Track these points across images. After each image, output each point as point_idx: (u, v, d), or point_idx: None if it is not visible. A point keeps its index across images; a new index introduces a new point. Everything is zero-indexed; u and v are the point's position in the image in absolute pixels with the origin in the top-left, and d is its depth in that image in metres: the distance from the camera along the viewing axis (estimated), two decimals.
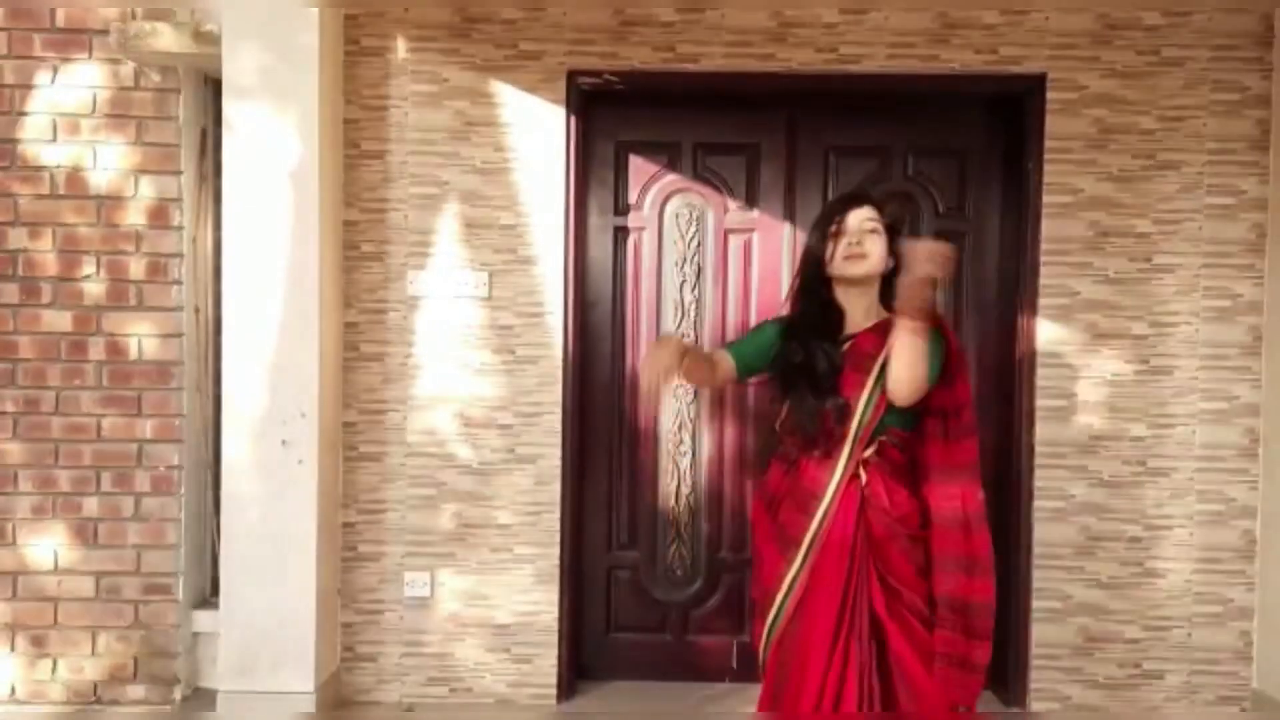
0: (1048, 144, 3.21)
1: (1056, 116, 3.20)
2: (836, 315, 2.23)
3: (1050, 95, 3.20)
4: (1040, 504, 3.22)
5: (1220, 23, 3.18)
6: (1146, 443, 3.22)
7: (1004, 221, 3.40)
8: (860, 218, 2.18)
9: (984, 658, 2.14)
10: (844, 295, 2.23)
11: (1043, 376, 3.22)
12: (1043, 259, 3.22)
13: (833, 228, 2.20)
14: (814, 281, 2.25)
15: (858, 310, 2.22)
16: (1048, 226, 3.21)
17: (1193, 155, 3.20)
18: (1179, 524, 3.22)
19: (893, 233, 2.21)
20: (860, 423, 2.13)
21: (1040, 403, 3.22)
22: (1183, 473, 3.23)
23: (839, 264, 2.19)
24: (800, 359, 2.20)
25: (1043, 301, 3.22)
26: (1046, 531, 3.22)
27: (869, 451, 2.15)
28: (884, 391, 2.12)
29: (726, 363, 2.30)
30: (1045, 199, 3.21)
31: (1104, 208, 3.21)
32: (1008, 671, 3.27)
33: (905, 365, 2.04)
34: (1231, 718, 3.21)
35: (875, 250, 2.17)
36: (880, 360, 2.13)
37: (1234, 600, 3.22)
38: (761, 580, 2.26)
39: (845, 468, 2.14)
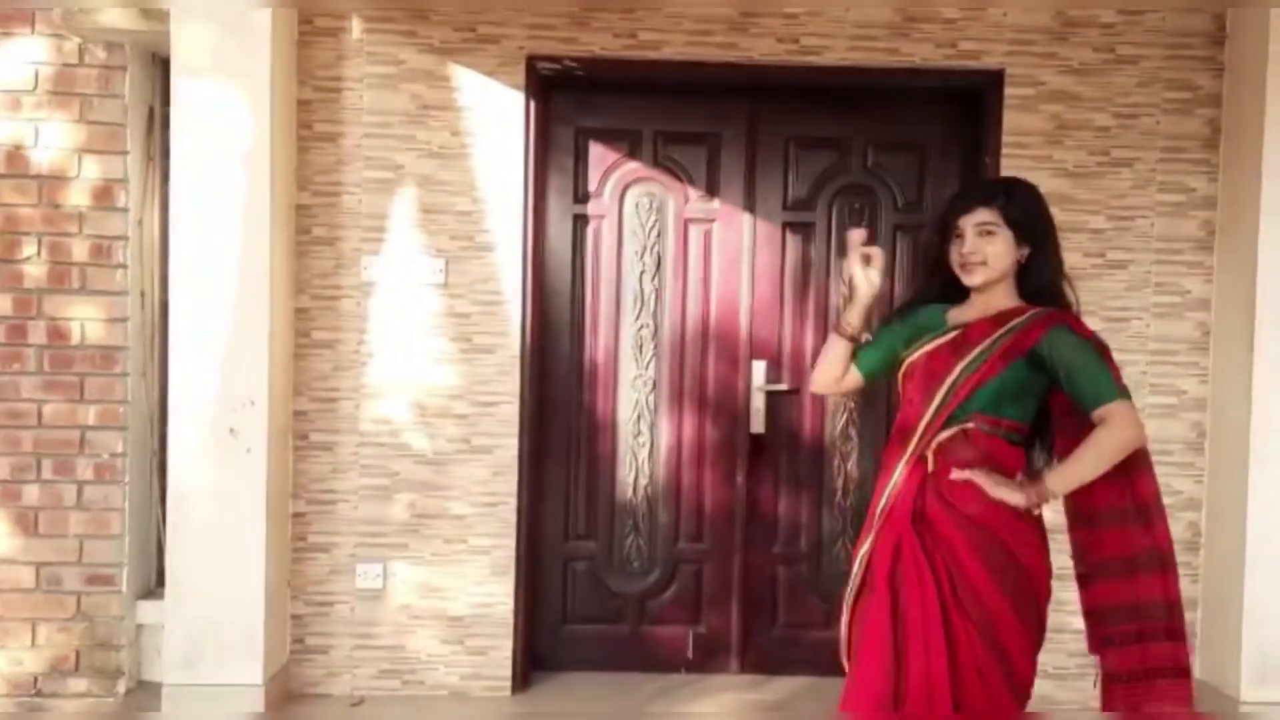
0: (1005, 139, 3.23)
1: (1014, 112, 3.23)
2: (958, 291, 2.16)
3: (1008, 90, 3.23)
4: None
5: (1174, 22, 3.22)
6: None
7: None
8: (974, 223, 2.06)
9: (1188, 658, 2.05)
10: (973, 296, 2.14)
11: None
12: None
13: (954, 231, 2.10)
14: (933, 280, 2.20)
15: (989, 304, 2.11)
16: None
17: (1145, 153, 3.25)
18: None
19: (1018, 225, 2.07)
20: (937, 406, 2.04)
21: None
22: None
23: (960, 274, 2.11)
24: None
25: None
26: None
27: (944, 435, 2.05)
28: (973, 375, 2.02)
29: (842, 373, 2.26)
30: None
31: (1059, 203, 3.21)
32: None
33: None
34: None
35: (992, 253, 2.05)
36: (982, 346, 2.03)
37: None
38: (857, 538, 2.22)
39: (913, 450, 2.06)
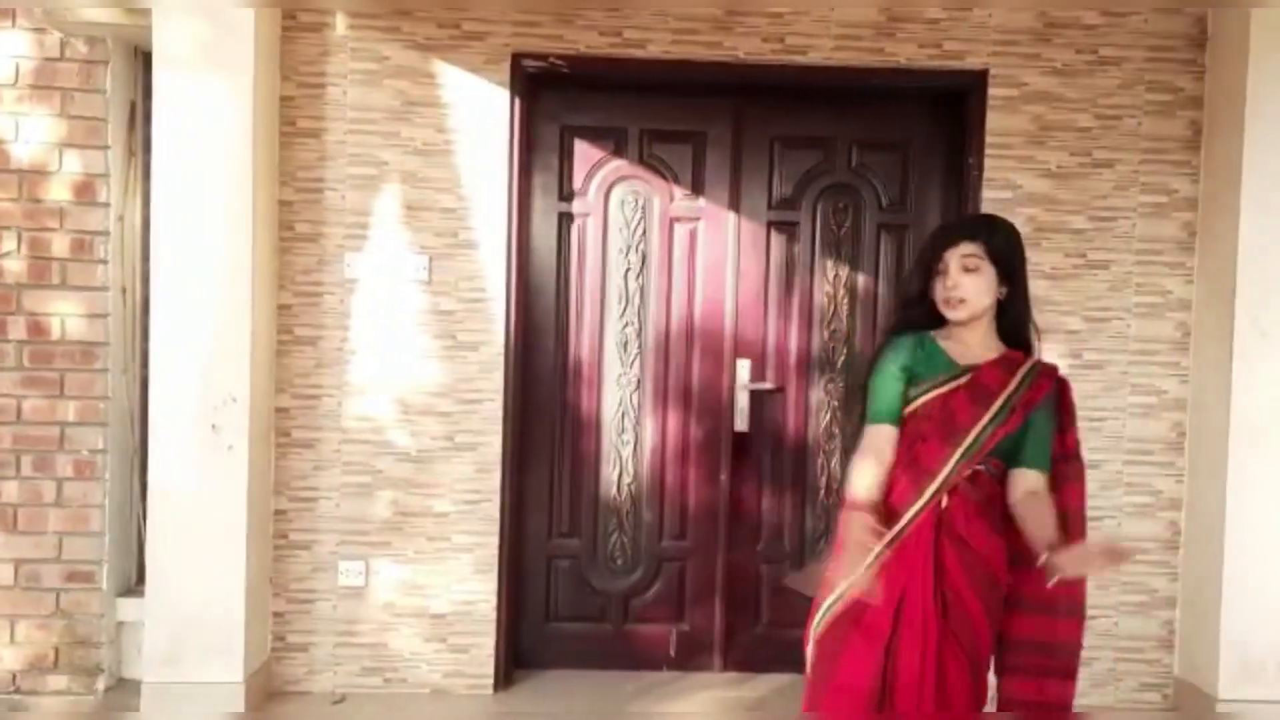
0: (988, 139, 3.25)
1: (997, 112, 3.24)
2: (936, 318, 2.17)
3: (992, 91, 3.24)
4: None
5: (1155, 24, 3.25)
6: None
7: (944, 215, 3.43)
8: (959, 255, 2.10)
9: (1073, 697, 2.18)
10: (955, 328, 2.16)
11: None
12: None
13: (939, 265, 2.12)
14: (912, 314, 2.20)
15: (973, 343, 2.14)
16: None
17: (1127, 154, 3.27)
18: (1108, 515, 3.29)
19: (1000, 261, 2.11)
20: (965, 453, 2.06)
21: None
22: (1112, 465, 3.30)
23: (942, 308, 2.13)
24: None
25: None
26: None
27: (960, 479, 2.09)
28: (999, 429, 2.06)
29: (885, 448, 2.12)
30: (985, 194, 3.25)
31: (1041, 204, 3.26)
32: None
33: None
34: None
35: (973, 290, 2.09)
36: (1003, 399, 2.06)
37: (1158, 590, 3.31)
38: (828, 574, 2.18)
39: (936, 492, 2.07)
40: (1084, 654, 3.26)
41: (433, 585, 3.25)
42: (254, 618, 3.04)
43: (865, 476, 2.10)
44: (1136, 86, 3.26)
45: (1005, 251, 2.13)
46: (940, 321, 2.17)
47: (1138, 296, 3.29)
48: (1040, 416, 2.09)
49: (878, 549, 2.08)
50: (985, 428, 2.06)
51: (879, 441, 2.12)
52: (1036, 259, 3.25)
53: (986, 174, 3.24)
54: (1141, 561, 3.30)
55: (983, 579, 2.09)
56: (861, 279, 3.46)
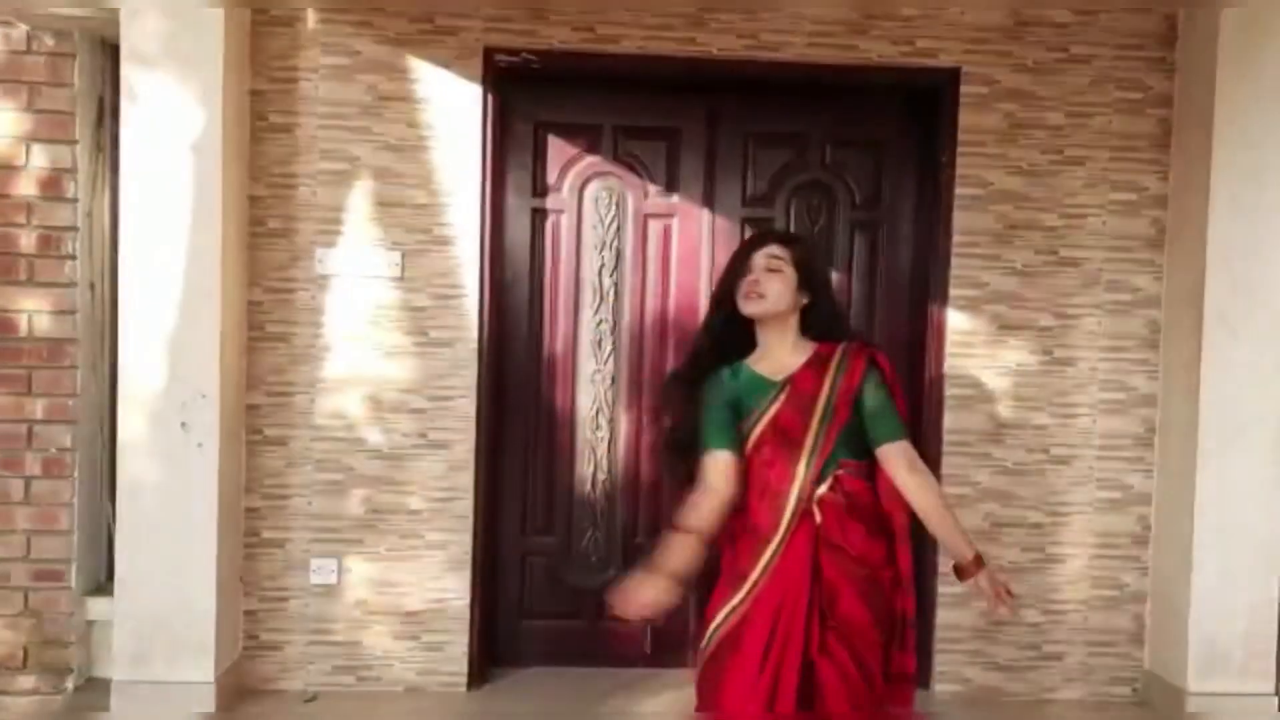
0: (960, 137, 3.26)
1: (969, 110, 3.25)
2: (745, 334, 2.24)
3: (964, 89, 3.25)
4: (946, 489, 3.26)
5: (1126, 22, 3.27)
6: (1049, 431, 3.31)
7: (917, 213, 3.45)
8: (765, 255, 2.19)
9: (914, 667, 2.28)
10: (761, 333, 2.23)
11: (951, 366, 3.29)
12: (954, 250, 3.27)
13: (746, 266, 2.20)
14: (720, 321, 2.26)
15: (781, 347, 2.21)
16: (959, 219, 3.27)
17: (1098, 152, 3.28)
18: (1079, 510, 3.32)
19: (803, 268, 2.20)
20: (809, 462, 2.12)
21: (949, 391, 3.29)
22: (1083, 460, 3.32)
23: (741, 303, 2.20)
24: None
25: (953, 292, 3.28)
26: None
27: (823, 488, 2.12)
28: (830, 428, 2.12)
29: (715, 478, 2.13)
30: (957, 191, 3.26)
31: (1013, 201, 3.27)
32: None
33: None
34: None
35: (774, 288, 2.17)
36: (823, 400, 2.13)
37: (1129, 584, 3.33)
38: (711, 600, 2.24)
39: (795, 509, 2.11)
40: (1055, 648, 3.35)
41: (406, 583, 3.24)
42: (225, 616, 3.03)
43: (698, 509, 2.14)
44: (1107, 84, 3.27)
45: (808, 260, 2.23)
46: (749, 347, 2.23)
47: (1108, 293, 3.31)
48: (869, 396, 2.14)
49: (754, 575, 2.13)
50: (817, 433, 2.13)
51: (713, 474, 2.14)
52: (1008, 256, 3.28)
53: (959, 171, 3.25)
54: (1113, 556, 3.33)
55: (864, 581, 2.14)
56: (834, 276, 3.46)
